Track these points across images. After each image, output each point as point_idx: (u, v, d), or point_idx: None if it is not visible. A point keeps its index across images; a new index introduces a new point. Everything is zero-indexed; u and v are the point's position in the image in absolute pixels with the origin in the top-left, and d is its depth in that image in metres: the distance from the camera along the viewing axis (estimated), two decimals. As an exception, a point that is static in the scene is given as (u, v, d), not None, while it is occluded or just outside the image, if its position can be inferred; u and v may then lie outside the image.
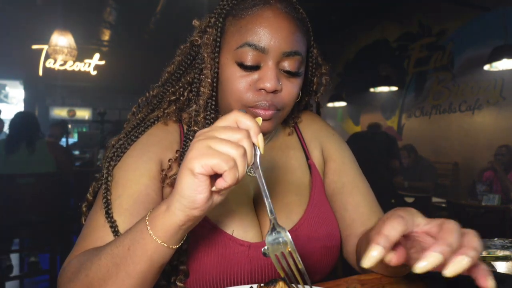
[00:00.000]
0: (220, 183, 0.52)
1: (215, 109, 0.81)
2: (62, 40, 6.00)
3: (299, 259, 0.56)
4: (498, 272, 0.75)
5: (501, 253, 0.85)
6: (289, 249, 0.56)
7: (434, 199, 3.78)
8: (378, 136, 4.23)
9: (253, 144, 0.55)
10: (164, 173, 0.76)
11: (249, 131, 0.54)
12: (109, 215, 0.69)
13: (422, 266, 0.45)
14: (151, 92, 0.87)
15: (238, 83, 0.75)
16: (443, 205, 3.69)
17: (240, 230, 0.77)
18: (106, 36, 7.99)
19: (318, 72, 0.92)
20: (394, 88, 5.76)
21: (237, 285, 0.74)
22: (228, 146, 0.51)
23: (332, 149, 0.95)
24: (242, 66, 0.75)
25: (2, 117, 4.14)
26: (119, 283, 0.57)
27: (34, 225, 2.93)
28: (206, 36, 0.80)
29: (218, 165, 0.50)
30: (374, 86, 5.79)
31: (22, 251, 3.09)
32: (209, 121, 0.79)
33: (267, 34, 0.73)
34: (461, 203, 3.67)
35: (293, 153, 0.93)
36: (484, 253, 0.85)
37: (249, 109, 0.76)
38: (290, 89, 0.78)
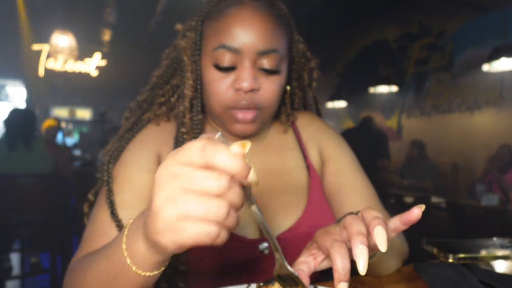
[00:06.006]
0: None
1: (201, 110, 0.83)
2: (63, 40, 6.02)
3: None
4: (498, 272, 0.75)
5: (500, 253, 0.85)
6: None
7: (434, 199, 3.78)
8: (367, 132, 4.25)
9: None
10: None
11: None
12: (114, 215, 0.70)
13: (362, 267, 0.47)
14: (141, 97, 0.89)
15: (218, 85, 0.77)
16: (443, 205, 3.69)
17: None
18: (106, 36, 7.98)
19: (307, 67, 0.92)
20: (394, 88, 5.76)
21: (232, 279, 0.74)
22: (206, 207, 0.38)
23: (330, 149, 0.92)
24: (218, 68, 0.76)
25: (2, 117, 4.14)
26: None
27: (34, 225, 2.93)
28: (185, 39, 0.82)
29: (197, 242, 0.39)
30: (374, 86, 5.79)
31: (22, 251, 3.09)
32: (196, 122, 0.80)
33: (241, 35, 0.74)
34: (460, 203, 3.68)
35: (290, 153, 0.91)
36: (484, 253, 0.85)
37: (230, 111, 0.77)
38: (269, 87, 0.78)
